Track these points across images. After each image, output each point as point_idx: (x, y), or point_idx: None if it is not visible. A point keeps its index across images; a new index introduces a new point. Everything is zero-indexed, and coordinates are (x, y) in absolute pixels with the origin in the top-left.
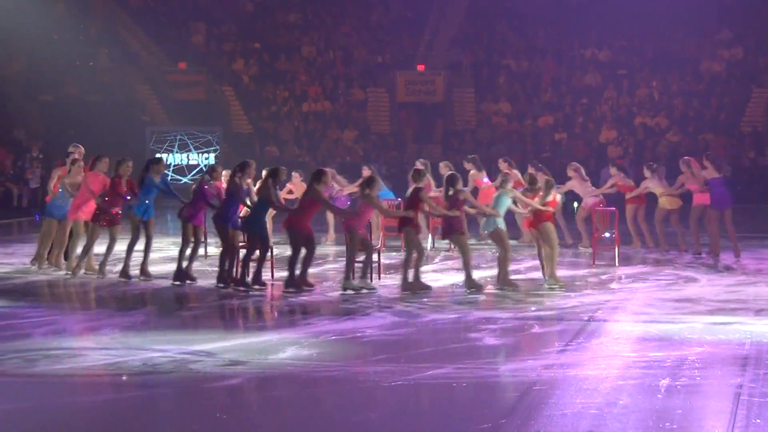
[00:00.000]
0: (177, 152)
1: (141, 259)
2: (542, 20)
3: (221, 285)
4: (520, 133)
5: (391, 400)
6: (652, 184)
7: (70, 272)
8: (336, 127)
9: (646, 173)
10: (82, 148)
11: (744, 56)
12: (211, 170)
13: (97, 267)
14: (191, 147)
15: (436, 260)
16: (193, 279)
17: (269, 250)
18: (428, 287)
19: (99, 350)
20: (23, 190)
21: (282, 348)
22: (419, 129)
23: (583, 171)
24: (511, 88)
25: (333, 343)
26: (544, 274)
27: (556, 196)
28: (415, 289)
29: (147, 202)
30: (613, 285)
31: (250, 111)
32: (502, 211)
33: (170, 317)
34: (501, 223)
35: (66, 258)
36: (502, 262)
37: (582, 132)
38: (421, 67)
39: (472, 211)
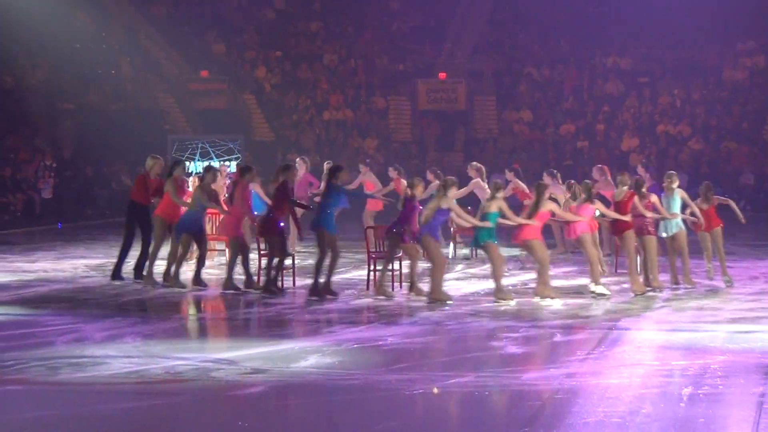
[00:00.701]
0: (198, 160)
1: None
2: (564, 28)
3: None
4: (542, 142)
5: (412, 408)
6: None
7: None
8: (357, 135)
9: (546, 179)
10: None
11: (766, 64)
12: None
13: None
14: (213, 155)
15: (458, 269)
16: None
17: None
18: (448, 297)
19: (121, 358)
20: (37, 199)
21: (303, 356)
22: (441, 137)
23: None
24: (532, 96)
25: (354, 351)
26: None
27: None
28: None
29: (329, 212)
30: (635, 294)
31: (271, 119)
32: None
33: (192, 325)
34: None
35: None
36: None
37: (604, 140)
38: (442, 75)
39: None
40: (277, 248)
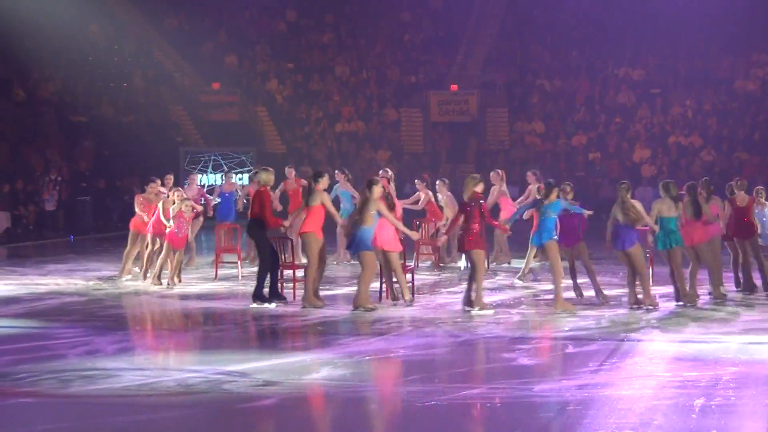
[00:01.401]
0: (211, 173)
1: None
2: (576, 39)
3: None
4: (554, 153)
5: (424, 420)
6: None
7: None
8: (370, 147)
9: (418, 185)
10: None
11: None
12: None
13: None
14: (225, 167)
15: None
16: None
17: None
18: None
19: (133, 371)
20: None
21: (316, 368)
22: (453, 148)
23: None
24: (544, 107)
25: (367, 363)
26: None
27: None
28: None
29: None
30: (646, 305)
31: (283, 131)
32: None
33: (204, 337)
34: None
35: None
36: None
37: (616, 151)
38: (454, 87)
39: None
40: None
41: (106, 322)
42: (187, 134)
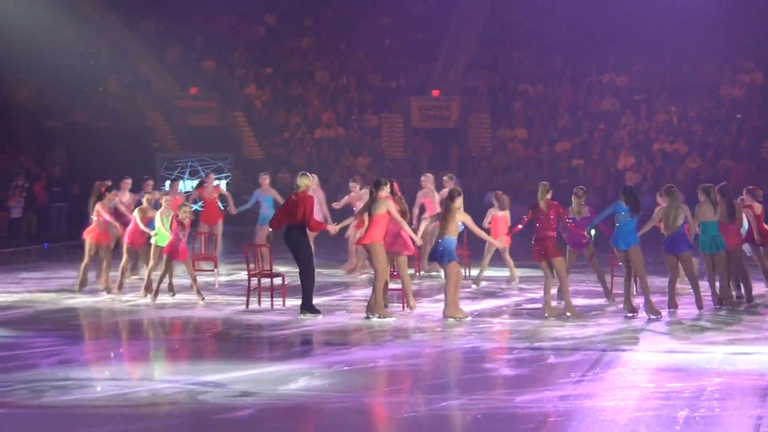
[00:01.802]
0: (188, 179)
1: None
2: (559, 45)
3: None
4: (537, 160)
5: (404, 431)
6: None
7: None
8: (349, 154)
9: (353, 186)
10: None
11: (764, 81)
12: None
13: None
14: (202, 174)
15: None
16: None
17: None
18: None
19: (107, 381)
20: (3, 218)
21: (293, 379)
22: (434, 155)
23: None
24: (527, 113)
25: (345, 373)
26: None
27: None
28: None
29: None
30: (630, 314)
31: (262, 137)
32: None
33: (179, 347)
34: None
35: None
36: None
37: (600, 158)
38: (435, 93)
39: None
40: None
41: (80, 331)
42: (164, 140)
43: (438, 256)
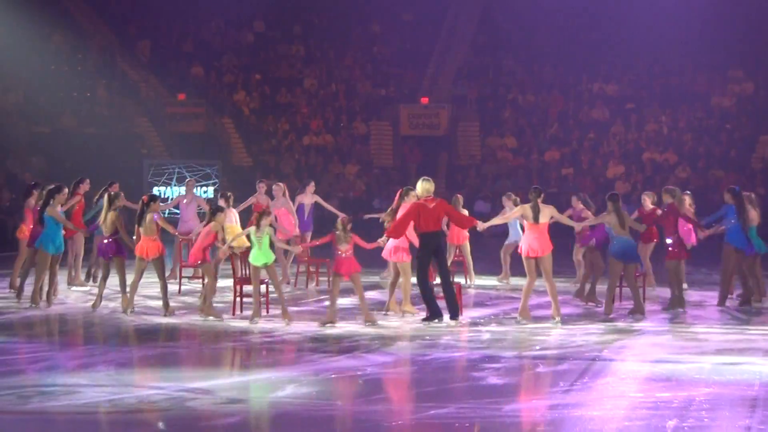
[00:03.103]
0: (175, 185)
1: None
2: (549, 54)
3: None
4: (526, 168)
5: None
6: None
7: None
8: (338, 161)
9: (260, 187)
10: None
11: (755, 91)
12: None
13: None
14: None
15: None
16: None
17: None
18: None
19: (94, 387)
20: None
21: (280, 386)
22: (423, 163)
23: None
24: (516, 122)
25: (332, 381)
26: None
27: None
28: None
29: None
30: (619, 323)
31: (250, 144)
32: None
33: (167, 353)
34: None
35: None
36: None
37: (589, 167)
38: (425, 100)
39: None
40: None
41: (66, 337)
42: (152, 146)
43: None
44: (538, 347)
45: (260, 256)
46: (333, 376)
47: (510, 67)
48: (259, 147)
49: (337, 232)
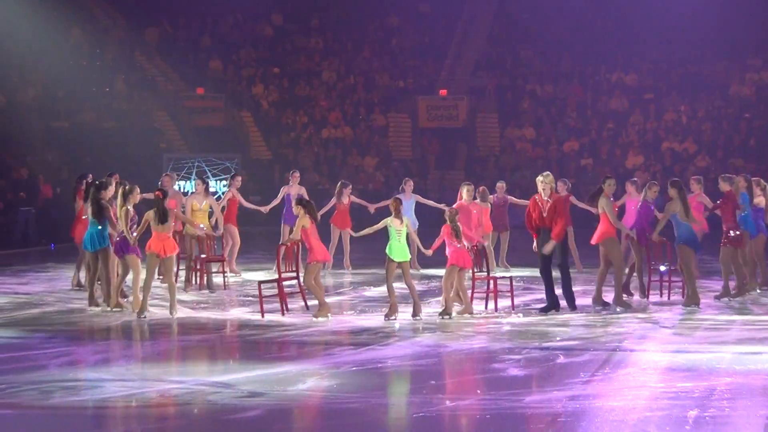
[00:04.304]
0: (194, 179)
1: None
2: (567, 44)
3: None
4: (545, 159)
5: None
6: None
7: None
8: (357, 154)
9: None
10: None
11: None
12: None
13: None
14: (209, 174)
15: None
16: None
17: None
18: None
19: (115, 381)
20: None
21: (301, 379)
22: (441, 155)
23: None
24: (535, 113)
25: (353, 374)
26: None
27: None
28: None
29: None
30: (640, 314)
31: (269, 137)
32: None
33: (187, 347)
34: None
35: None
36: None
37: (608, 157)
38: (443, 92)
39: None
40: None
41: (88, 332)
42: (171, 140)
43: None
44: (558, 338)
45: (399, 252)
46: (354, 369)
47: (528, 58)
48: (278, 140)
49: (453, 225)
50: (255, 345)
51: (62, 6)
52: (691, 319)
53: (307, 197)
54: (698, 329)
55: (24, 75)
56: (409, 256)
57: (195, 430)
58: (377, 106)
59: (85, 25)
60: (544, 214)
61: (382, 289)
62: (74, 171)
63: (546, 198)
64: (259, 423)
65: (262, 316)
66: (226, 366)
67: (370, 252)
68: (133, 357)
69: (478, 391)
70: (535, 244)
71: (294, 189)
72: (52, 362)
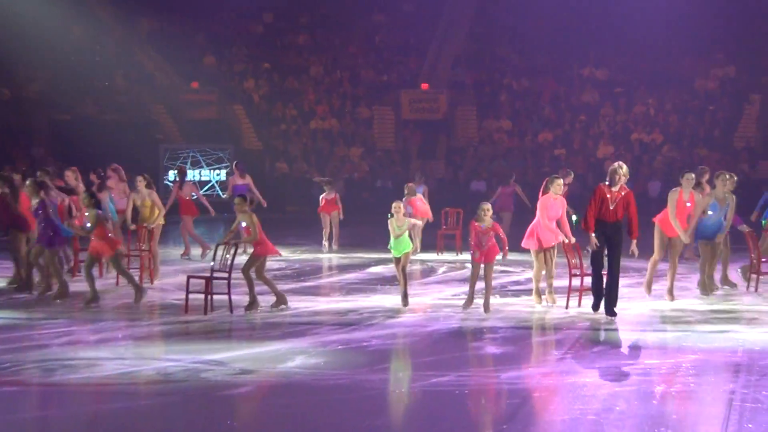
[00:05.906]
0: (189, 169)
1: None
2: (542, 42)
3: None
4: (521, 149)
5: (396, 407)
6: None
7: None
8: (343, 144)
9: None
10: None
11: (737, 74)
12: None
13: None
14: (203, 164)
15: (440, 271)
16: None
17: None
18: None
19: (114, 360)
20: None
21: (290, 357)
22: (423, 145)
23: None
24: (512, 106)
25: (340, 352)
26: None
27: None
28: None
29: None
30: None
31: (260, 129)
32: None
33: (182, 327)
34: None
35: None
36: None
37: (580, 148)
38: (425, 86)
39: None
40: None
41: (88, 312)
42: (168, 132)
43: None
44: (533, 318)
45: (396, 246)
46: (340, 347)
47: (505, 54)
48: (268, 131)
49: (486, 218)
50: (247, 325)
51: (64, 4)
52: (657, 301)
53: (253, 188)
54: (665, 310)
55: (28, 70)
56: (409, 247)
57: (190, 405)
58: (362, 100)
59: (86, 23)
60: (612, 207)
61: (368, 272)
62: (72, 162)
63: (616, 190)
64: (250, 398)
65: (186, 311)
66: (219, 345)
67: (357, 237)
68: (131, 336)
69: (458, 368)
70: (594, 238)
71: (241, 180)
72: (53, 342)
